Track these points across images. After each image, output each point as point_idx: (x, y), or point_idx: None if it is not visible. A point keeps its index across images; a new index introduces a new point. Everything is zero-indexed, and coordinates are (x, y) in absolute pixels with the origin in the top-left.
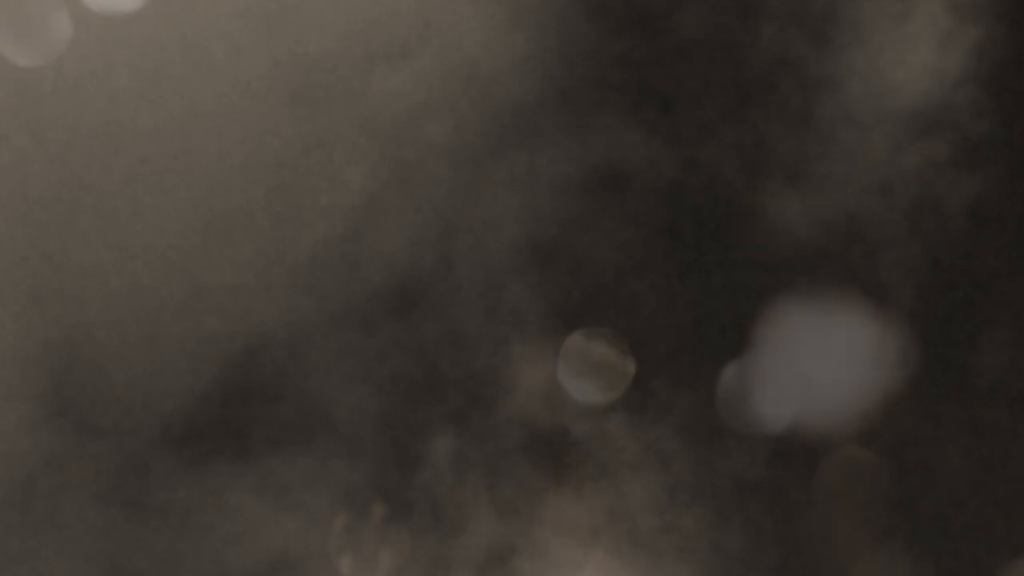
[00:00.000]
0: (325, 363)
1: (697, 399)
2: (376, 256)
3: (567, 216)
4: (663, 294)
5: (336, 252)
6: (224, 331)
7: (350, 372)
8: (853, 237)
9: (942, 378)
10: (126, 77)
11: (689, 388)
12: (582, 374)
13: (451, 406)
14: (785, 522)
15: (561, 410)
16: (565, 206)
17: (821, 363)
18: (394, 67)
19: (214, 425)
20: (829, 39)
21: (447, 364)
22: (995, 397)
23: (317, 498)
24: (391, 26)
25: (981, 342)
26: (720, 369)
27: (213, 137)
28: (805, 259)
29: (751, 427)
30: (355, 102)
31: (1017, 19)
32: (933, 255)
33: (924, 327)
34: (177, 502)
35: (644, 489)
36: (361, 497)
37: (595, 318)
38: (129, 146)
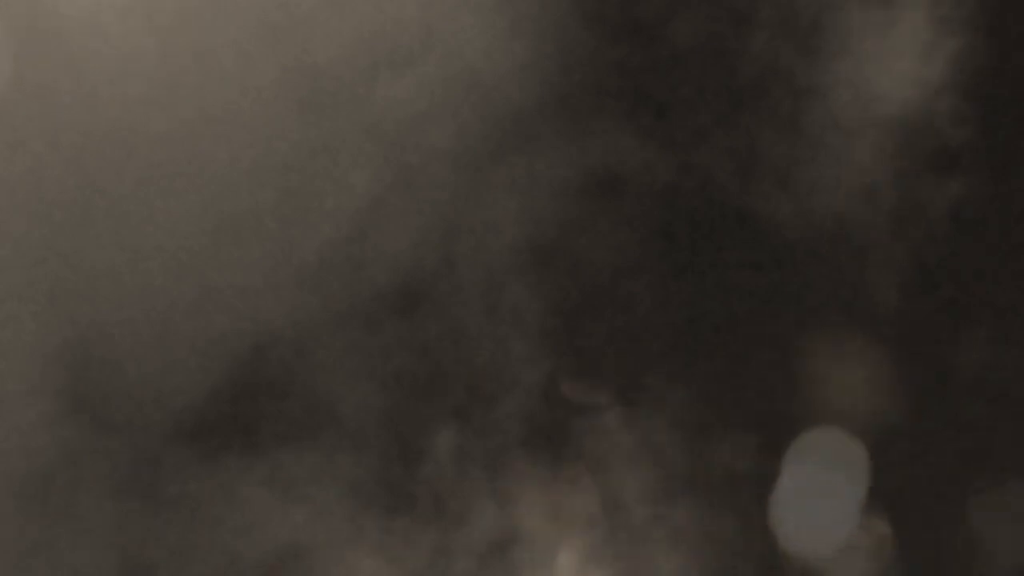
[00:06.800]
0: (331, 361)
1: (690, 395)
2: (380, 257)
3: (565, 218)
4: (658, 293)
5: (342, 253)
6: (233, 330)
7: (355, 369)
8: (840, 239)
9: (925, 375)
10: (140, 84)
11: (682, 384)
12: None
13: (453, 402)
14: (774, 512)
15: (559, 406)
16: (563, 209)
17: (810, 360)
18: (398, 74)
19: (224, 420)
20: (817, 49)
21: (449, 361)
22: (977, 393)
23: (323, 491)
24: (395, 35)
25: (963, 340)
26: (713, 366)
27: (223, 142)
28: (794, 260)
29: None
30: (360, 108)
31: (995, 30)
32: (917, 256)
33: (908, 326)
34: (189, 494)
35: (638, 481)
36: (366, 490)
37: (592, 317)
38: (142, 151)
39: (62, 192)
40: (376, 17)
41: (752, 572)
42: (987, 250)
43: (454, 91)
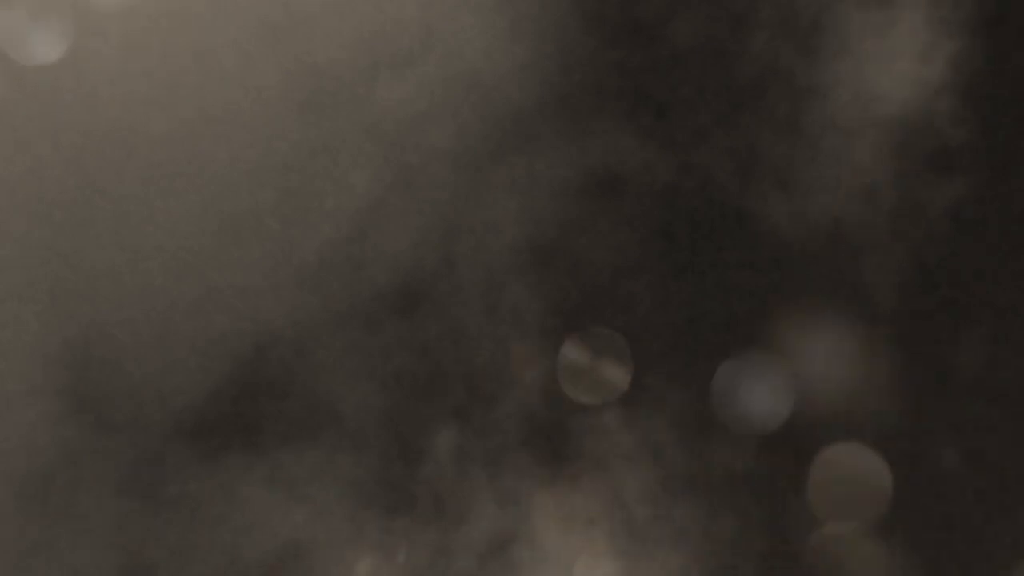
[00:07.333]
0: (331, 361)
1: (690, 394)
2: (380, 257)
3: (565, 219)
4: (658, 294)
5: (342, 253)
6: (234, 330)
7: (356, 369)
8: (839, 239)
9: (925, 375)
10: (140, 84)
11: (682, 384)
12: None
13: (453, 402)
14: (773, 511)
15: (559, 405)
16: (563, 209)
17: (809, 360)
18: (398, 75)
19: (225, 420)
20: (816, 50)
21: (449, 361)
22: (976, 393)
23: (323, 491)
24: (395, 35)
25: (962, 340)
26: (712, 366)
27: (223, 142)
28: (794, 260)
29: (743, 423)
30: (360, 108)
31: (993, 32)
32: (916, 257)
33: (907, 326)
34: (190, 494)
35: (638, 480)
36: (366, 490)
37: (592, 317)
38: (143, 151)
39: (62, 192)
40: (376, 17)
41: (752, 572)
42: (987, 250)
43: (454, 91)
